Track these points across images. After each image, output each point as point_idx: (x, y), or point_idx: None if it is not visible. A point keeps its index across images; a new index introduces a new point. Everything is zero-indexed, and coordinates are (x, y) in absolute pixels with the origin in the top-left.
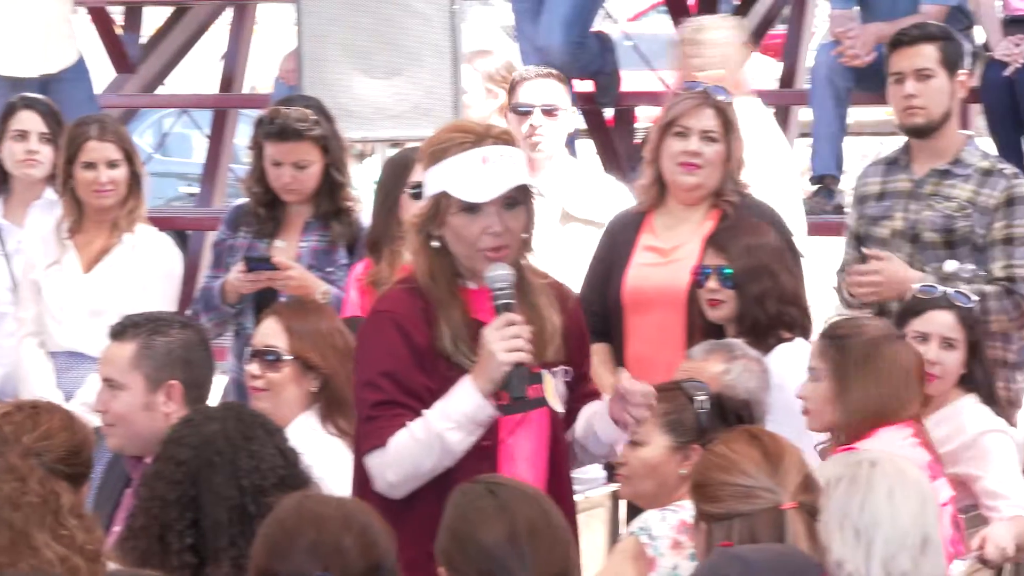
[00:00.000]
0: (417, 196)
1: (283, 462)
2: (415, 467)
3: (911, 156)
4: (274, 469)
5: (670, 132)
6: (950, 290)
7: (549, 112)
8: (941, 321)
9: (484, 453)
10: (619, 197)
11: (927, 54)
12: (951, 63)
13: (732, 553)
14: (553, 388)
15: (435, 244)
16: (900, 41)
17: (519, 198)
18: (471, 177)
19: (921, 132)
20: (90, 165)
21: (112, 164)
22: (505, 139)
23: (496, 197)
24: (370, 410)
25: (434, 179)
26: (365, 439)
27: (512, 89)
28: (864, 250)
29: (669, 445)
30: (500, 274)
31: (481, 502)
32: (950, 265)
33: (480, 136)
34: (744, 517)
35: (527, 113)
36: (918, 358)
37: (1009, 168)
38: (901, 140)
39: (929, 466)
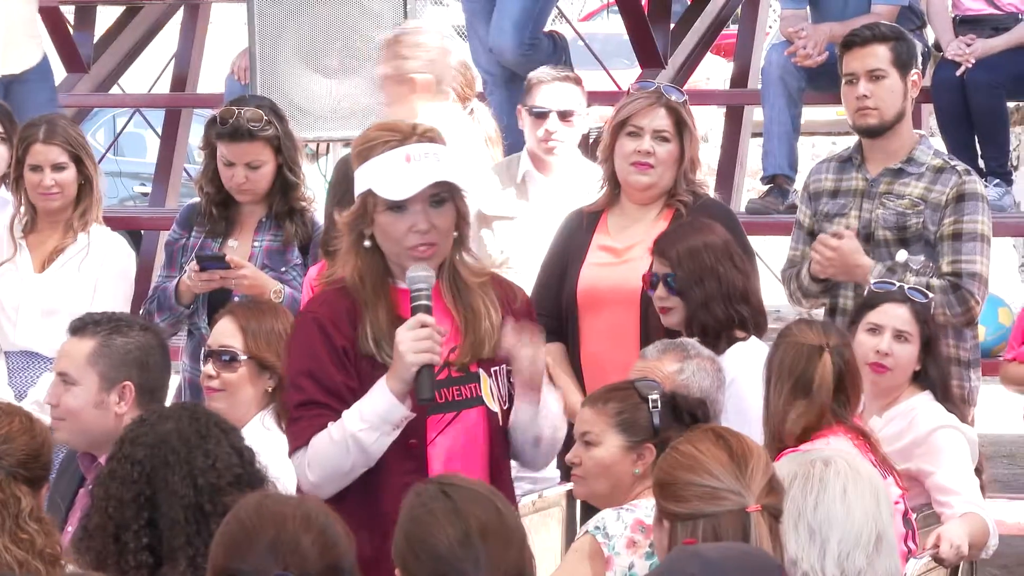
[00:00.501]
0: None
1: (239, 461)
2: (334, 467)
3: (864, 155)
4: (230, 468)
5: (623, 131)
6: (906, 286)
7: (565, 116)
8: (895, 314)
9: (410, 453)
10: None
11: (879, 55)
12: (903, 63)
13: (692, 551)
14: (489, 387)
15: (367, 244)
16: (852, 42)
17: (446, 196)
18: (394, 175)
19: (874, 132)
20: (36, 168)
21: (58, 167)
22: (431, 137)
23: (420, 195)
24: (293, 411)
25: (361, 178)
26: (291, 439)
27: (528, 90)
28: (832, 230)
29: (622, 445)
30: (419, 275)
31: (434, 504)
32: (901, 255)
33: (406, 135)
34: (709, 518)
35: (543, 116)
36: (837, 371)
37: (961, 165)
38: (854, 139)
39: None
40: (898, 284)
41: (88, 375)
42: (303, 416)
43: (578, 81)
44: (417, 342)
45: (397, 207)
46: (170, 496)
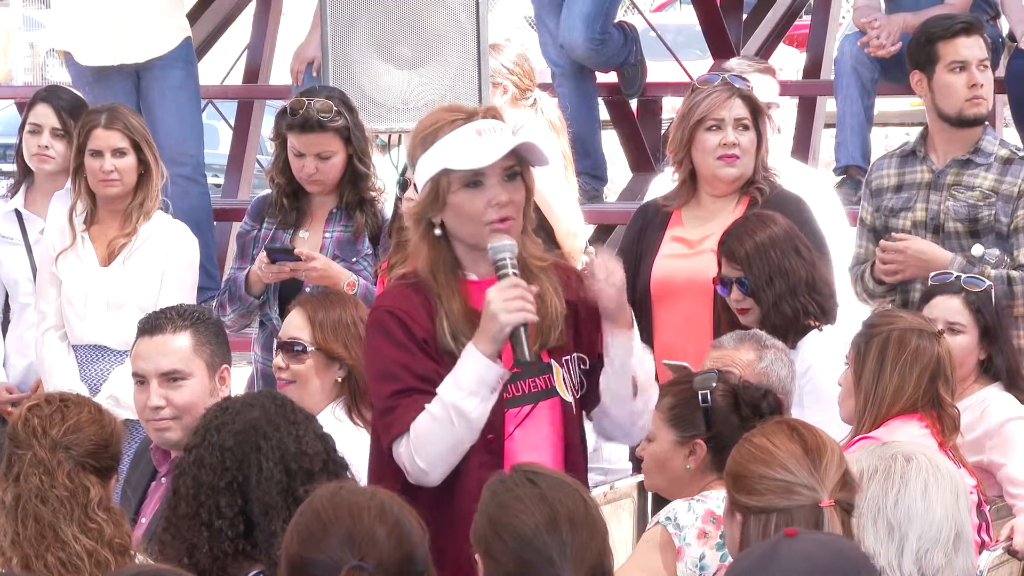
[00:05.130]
0: (404, 187)
1: (323, 447)
2: (440, 446)
3: (928, 147)
4: (318, 453)
5: (702, 127)
6: (964, 274)
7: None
8: (945, 306)
9: (489, 447)
10: (821, 189)
11: (984, 46)
12: (993, 55)
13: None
14: (562, 377)
15: (437, 232)
16: (965, 29)
17: (519, 170)
18: (469, 149)
19: (977, 121)
20: (96, 153)
21: (118, 152)
22: (494, 115)
23: (495, 168)
24: (388, 400)
25: (429, 162)
26: (387, 430)
27: None
28: (893, 234)
29: (673, 440)
30: (503, 244)
31: (520, 490)
32: (977, 250)
33: (470, 114)
34: (782, 512)
35: None
36: (939, 355)
37: None
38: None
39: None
40: (955, 274)
41: (198, 366)
42: (399, 404)
43: (772, 71)
44: (510, 301)
45: (473, 184)
46: (265, 482)
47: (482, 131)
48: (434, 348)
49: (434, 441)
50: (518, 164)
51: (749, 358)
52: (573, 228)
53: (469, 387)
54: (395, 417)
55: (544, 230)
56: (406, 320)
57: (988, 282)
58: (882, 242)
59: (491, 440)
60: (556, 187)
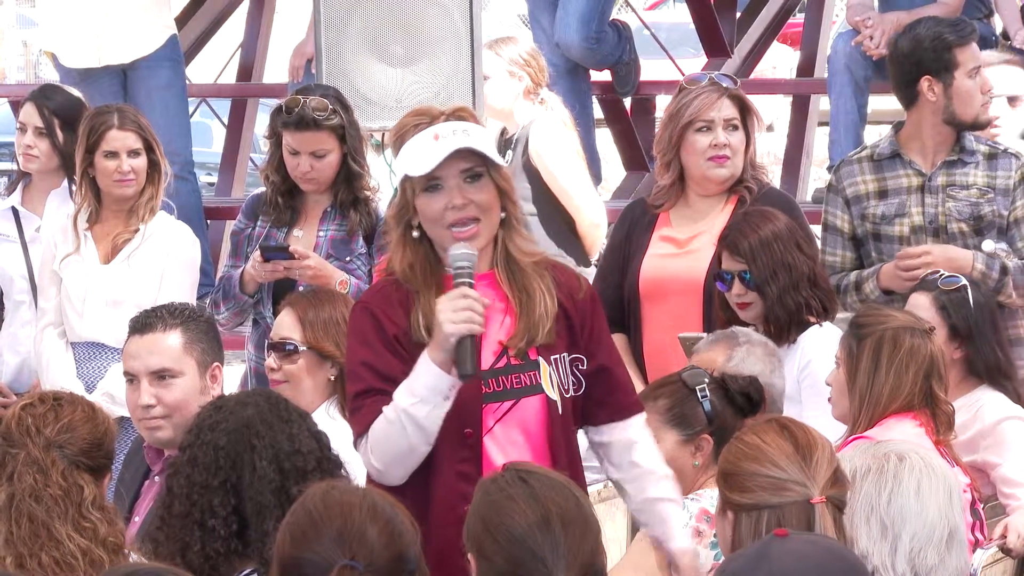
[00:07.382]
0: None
1: (317, 445)
2: (394, 448)
3: (910, 150)
4: (312, 452)
5: (691, 129)
6: (946, 273)
7: (1012, 100)
8: (915, 303)
9: (466, 442)
10: None
11: None
12: None
13: (772, 553)
14: (549, 375)
15: (415, 234)
16: (974, 33)
17: (481, 171)
18: (422, 153)
19: (986, 124)
20: (112, 154)
21: (133, 153)
22: (461, 115)
23: (453, 171)
24: (352, 401)
25: (397, 167)
26: (353, 429)
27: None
28: (908, 249)
29: (678, 439)
30: (460, 252)
31: (512, 490)
32: (988, 245)
33: (435, 116)
34: (773, 509)
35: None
36: (932, 353)
37: (1010, 148)
38: None
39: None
40: (940, 273)
41: (188, 364)
42: (363, 405)
43: (1020, 64)
44: (456, 312)
45: (432, 187)
46: (257, 481)
47: (440, 135)
48: (406, 344)
49: (387, 443)
50: (480, 164)
51: (722, 359)
52: (596, 220)
53: (421, 394)
54: (358, 418)
55: (565, 222)
56: (379, 315)
57: (963, 281)
58: (903, 252)
59: (468, 435)
60: (578, 179)
